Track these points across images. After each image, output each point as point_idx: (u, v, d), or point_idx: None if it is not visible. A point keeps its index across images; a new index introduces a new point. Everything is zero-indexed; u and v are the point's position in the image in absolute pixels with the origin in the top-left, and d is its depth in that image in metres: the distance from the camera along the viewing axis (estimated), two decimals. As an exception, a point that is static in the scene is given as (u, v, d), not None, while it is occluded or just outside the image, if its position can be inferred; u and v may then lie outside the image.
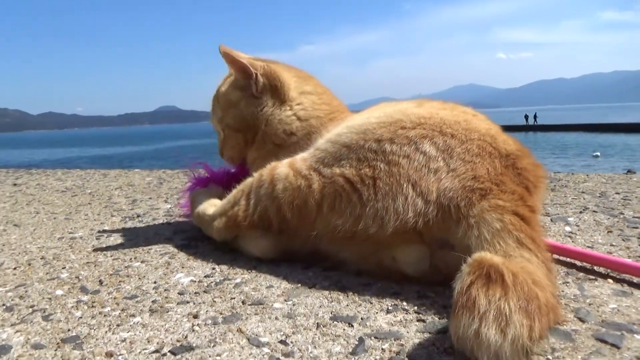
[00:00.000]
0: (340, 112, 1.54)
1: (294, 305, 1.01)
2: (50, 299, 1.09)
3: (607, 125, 38.29)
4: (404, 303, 1.00)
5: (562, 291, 1.05)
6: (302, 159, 1.23)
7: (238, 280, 1.17)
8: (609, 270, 1.16)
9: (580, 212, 1.75)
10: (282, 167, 1.23)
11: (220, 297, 1.06)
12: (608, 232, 1.49)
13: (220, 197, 1.49)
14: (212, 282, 1.16)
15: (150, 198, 2.44)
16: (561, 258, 1.25)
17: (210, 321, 0.94)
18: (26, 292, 1.14)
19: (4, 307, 1.05)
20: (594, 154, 21.29)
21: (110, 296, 1.10)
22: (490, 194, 1.00)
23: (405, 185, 1.04)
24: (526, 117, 45.92)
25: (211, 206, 1.44)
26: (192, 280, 1.18)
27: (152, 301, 1.06)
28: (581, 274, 1.15)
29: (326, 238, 1.15)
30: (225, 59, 1.51)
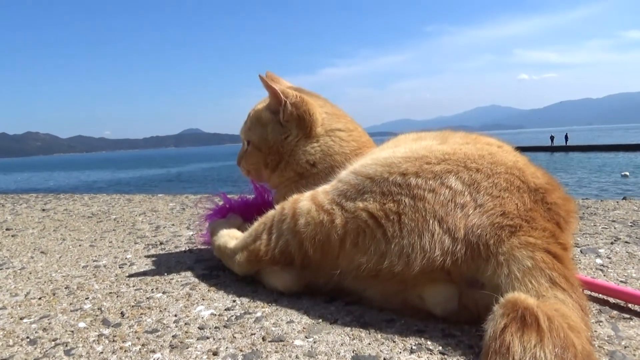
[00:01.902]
0: (368, 147, 1.53)
1: (314, 342, 0.99)
2: (72, 331, 1.10)
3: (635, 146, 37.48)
4: (429, 342, 0.97)
5: (595, 331, 1.00)
6: (324, 191, 1.21)
7: (259, 314, 1.15)
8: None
9: (612, 243, 1.69)
10: (304, 201, 1.22)
11: (241, 333, 1.05)
12: (642, 265, 1.43)
13: (240, 228, 1.50)
14: (232, 316, 1.15)
15: (173, 225, 2.46)
16: (593, 294, 1.20)
17: (230, 359, 0.93)
18: (50, 324, 1.15)
19: (28, 339, 1.06)
20: (623, 173, 20.74)
21: (132, 330, 1.10)
22: (520, 230, 0.97)
23: (431, 222, 1.01)
24: (552, 138, 45.52)
25: (232, 239, 1.44)
26: (212, 314, 1.17)
27: (173, 336, 1.05)
28: (615, 312, 1.10)
29: (350, 275, 1.12)
30: (262, 84, 1.55)
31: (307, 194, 1.25)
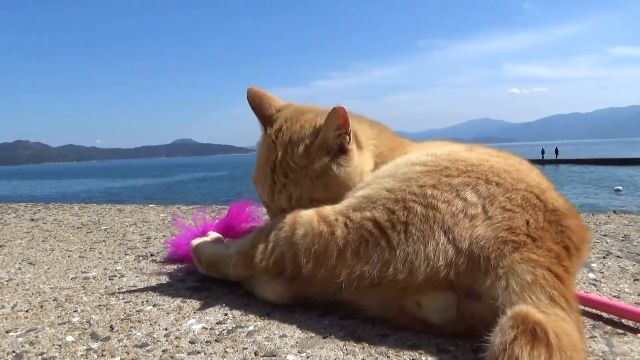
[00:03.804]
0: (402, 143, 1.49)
1: (307, 357, 0.98)
2: (60, 345, 1.08)
3: (629, 160, 38.04)
4: (423, 358, 0.96)
5: (590, 347, 1.00)
6: (332, 206, 1.19)
7: (251, 328, 1.14)
8: (638, 324, 1.10)
9: (604, 258, 1.69)
10: (308, 212, 1.20)
11: (232, 347, 1.03)
12: (634, 280, 1.43)
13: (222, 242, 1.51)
14: (224, 330, 1.13)
15: (165, 235, 2.44)
16: (587, 309, 1.20)
17: (221, 374, 0.91)
18: (37, 337, 1.13)
19: (14, 354, 1.04)
20: (616, 188, 20.92)
21: (121, 344, 1.07)
22: (524, 247, 0.96)
23: (438, 231, 1.00)
24: (542, 151, 46.15)
25: (225, 247, 1.43)
26: (204, 327, 1.15)
27: (163, 350, 1.03)
28: (609, 327, 1.10)
29: (351, 286, 1.09)
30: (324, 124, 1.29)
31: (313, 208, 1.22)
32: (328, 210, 1.17)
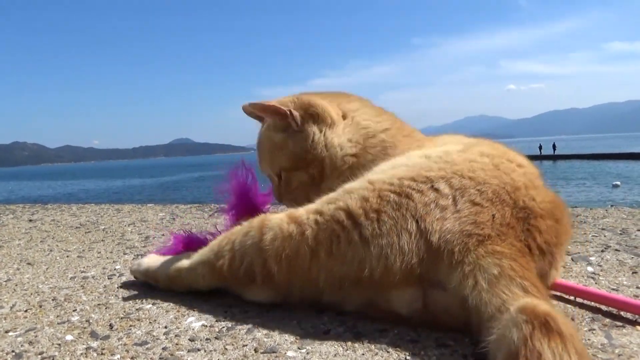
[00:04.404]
0: (412, 131, 1.50)
1: (307, 353, 0.98)
2: (59, 345, 1.07)
3: (626, 155, 38.14)
4: (422, 352, 0.96)
5: (589, 339, 1.00)
6: (310, 206, 1.18)
7: (250, 325, 1.14)
8: (637, 316, 1.10)
9: (602, 251, 1.70)
10: (277, 214, 1.19)
11: (232, 344, 1.03)
12: (633, 272, 1.43)
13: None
14: (223, 327, 1.13)
15: (163, 235, 2.43)
16: (586, 302, 1.20)
17: (221, 371, 0.91)
18: (36, 337, 1.13)
19: (14, 353, 1.03)
20: (614, 183, 20.92)
21: (120, 342, 1.07)
22: (488, 240, 0.98)
23: (410, 220, 1.02)
24: (540, 147, 46.23)
25: (180, 260, 1.37)
26: (203, 325, 1.15)
27: (163, 348, 1.03)
28: (607, 320, 1.10)
29: (331, 289, 1.09)
30: (256, 112, 1.53)
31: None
32: (301, 210, 1.17)
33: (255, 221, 1.20)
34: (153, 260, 1.48)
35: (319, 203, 1.17)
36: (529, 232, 1.03)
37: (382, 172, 1.17)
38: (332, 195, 1.17)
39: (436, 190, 1.05)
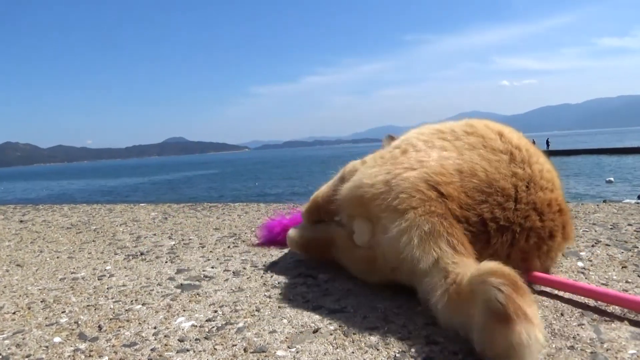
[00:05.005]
0: None
1: (297, 352, 0.97)
2: (47, 347, 1.06)
3: (620, 150, 38.41)
4: (412, 350, 0.96)
5: (578, 334, 1.00)
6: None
7: (240, 325, 1.13)
8: (625, 311, 1.11)
9: (593, 246, 1.70)
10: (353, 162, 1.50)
11: (222, 344, 1.03)
12: (622, 267, 1.44)
13: None
14: (213, 327, 1.12)
15: (155, 234, 2.42)
16: (575, 297, 1.21)
17: (210, 371, 0.91)
18: (23, 339, 1.11)
19: (0, 356, 1.02)
20: (607, 179, 20.99)
21: (109, 344, 1.06)
22: (430, 201, 1.09)
23: (389, 164, 1.21)
24: (534, 142, 46.39)
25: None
26: (193, 325, 1.14)
27: (152, 349, 1.02)
28: (596, 315, 1.10)
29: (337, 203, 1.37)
30: None
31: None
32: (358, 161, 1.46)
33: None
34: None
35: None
36: (488, 203, 1.12)
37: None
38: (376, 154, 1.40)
39: (427, 154, 1.21)
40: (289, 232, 1.68)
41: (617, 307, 1.13)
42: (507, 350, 0.80)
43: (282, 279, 1.48)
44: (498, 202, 1.13)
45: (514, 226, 1.13)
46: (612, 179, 20.93)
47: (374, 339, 1.01)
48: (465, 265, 0.99)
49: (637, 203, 2.71)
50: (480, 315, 0.86)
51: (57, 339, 1.11)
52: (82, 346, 1.06)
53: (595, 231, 1.94)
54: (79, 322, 1.21)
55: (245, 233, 2.31)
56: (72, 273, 1.72)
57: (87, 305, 1.34)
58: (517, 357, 0.79)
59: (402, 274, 1.13)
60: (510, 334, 0.79)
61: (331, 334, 1.05)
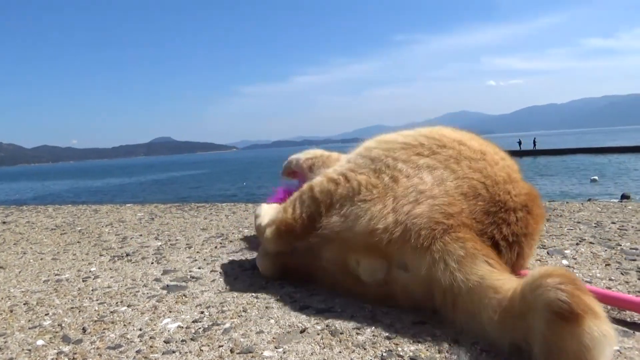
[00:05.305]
0: None
1: (284, 352, 0.97)
2: (30, 350, 1.05)
3: (604, 149, 38.99)
4: (399, 348, 0.96)
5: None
6: (334, 169, 1.38)
7: (227, 326, 1.12)
8: (608, 308, 1.12)
9: (577, 244, 1.73)
10: (317, 177, 1.41)
11: (208, 345, 1.02)
12: (606, 265, 1.46)
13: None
14: (200, 328, 1.12)
15: (141, 235, 2.40)
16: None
17: (196, 373, 0.90)
18: (5, 342, 1.10)
19: (-19, 360, 1.00)
20: (592, 178, 21.25)
21: (93, 346, 1.05)
22: (452, 229, 1.06)
23: (390, 198, 1.15)
24: (520, 142, 46.77)
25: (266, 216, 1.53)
26: (179, 326, 1.13)
27: (137, 351, 1.01)
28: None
29: (321, 236, 1.27)
30: None
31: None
32: (331, 173, 1.37)
33: (305, 185, 1.42)
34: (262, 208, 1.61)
35: (344, 168, 1.35)
36: (496, 224, 1.12)
37: (380, 148, 1.33)
38: (350, 165, 1.34)
39: (420, 178, 1.17)
40: (258, 256, 1.52)
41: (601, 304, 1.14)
42: (578, 352, 0.75)
43: (269, 279, 1.48)
44: (503, 219, 1.12)
45: (520, 238, 1.13)
46: (596, 177, 21.21)
47: (361, 338, 1.01)
48: (512, 280, 0.96)
49: (621, 202, 2.75)
50: (543, 321, 0.81)
51: (40, 342, 1.09)
52: (66, 349, 1.04)
53: (580, 229, 1.97)
54: (63, 325, 1.19)
55: (233, 233, 2.30)
56: (56, 275, 1.70)
57: (71, 308, 1.32)
58: (591, 358, 0.75)
59: (434, 302, 1.07)
60: (581, 334, 0.75)
61: (318, 334, 1.05)
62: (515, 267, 1.12)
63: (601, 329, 0.75)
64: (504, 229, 1.11)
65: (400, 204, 1.13)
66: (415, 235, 1.07)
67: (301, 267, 1.38)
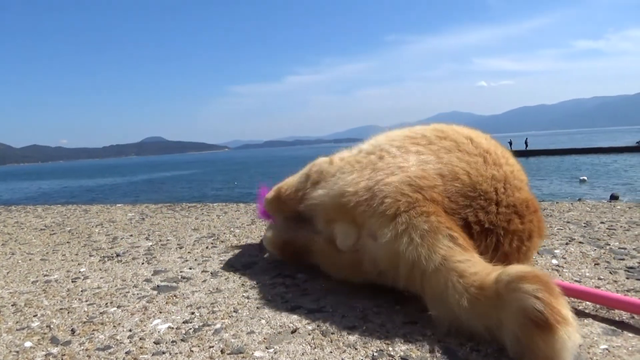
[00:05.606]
0: None
1: (275, 353, 0.96)
2: (17, 352, 1.03)
3: (594, 149, 39.35)
4: (390, 348, 0.96)
5: (552, 331, 1.02)
6: (340, 153, 1.44)
7: (218, 326, 1.12)
8: (597, 306, 1.13)
9: (567, 244, 1.74)
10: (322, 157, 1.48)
11: (199, 346, 1.01)
12: (595, 264, 1.47)
13: None
14: (190, 329, 1.11)
15: (132, 235, 2.38)
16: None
17: (186, 374, 0.89)
18: (-8, 344, 1.08)
19: (-33, 362, 0.99)
20: (581, 178, 21.45)
21: (82, 347, 1.04)
22: (417, 203, 1.09)
23: (367, 169, 1.22)
24: (510, 142, 47.06)
25: None
26: (169, 327, 1.13)
27: (126, 352, 1.00)
28: (570, 311, 1.12)
29: (310, 207, 1.35)
30: None
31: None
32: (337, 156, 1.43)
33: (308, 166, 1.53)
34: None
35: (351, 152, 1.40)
36: (472, 207, 1.13)
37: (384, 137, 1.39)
38: (356, 152, 1.39)
39: (406, 160, 1.21)
40: (265, 232, 1.66)
41: (589, 303, 1.15)
42: (549, 356, 0.80)
43: (260, 279, 1.47)
44: (481, 205, 1.13)
45: (497, 229, 1.13)
46: (585, 177, 21.41)
47: (352, 338, 1.01)
48: (479, 264, 0.99)
49: (610, 202, 2.78)
50: (516, 323, 0.85)
51: (28, 344, 1.08)
52: (54, 350, 1.03)
53: (570, 229, 1.99)
54: (51, 326, 1.18)
55: (224, 233, 2.29)
56: (44, 275, 1.68)
57: (60, 309, 1.31)
58: None
59: (398, 276, 1.10)
60: (553, 341, 0.80)
61: (309, 334, 1.04)
62: (494, 261, 1.07)
63: (571, 336, 0.80)
64: (480, 214, 1.12)
65: (375, 174, 1.19)
66: (379, 201, 1.11)
67: (300, 242, 1.46)
